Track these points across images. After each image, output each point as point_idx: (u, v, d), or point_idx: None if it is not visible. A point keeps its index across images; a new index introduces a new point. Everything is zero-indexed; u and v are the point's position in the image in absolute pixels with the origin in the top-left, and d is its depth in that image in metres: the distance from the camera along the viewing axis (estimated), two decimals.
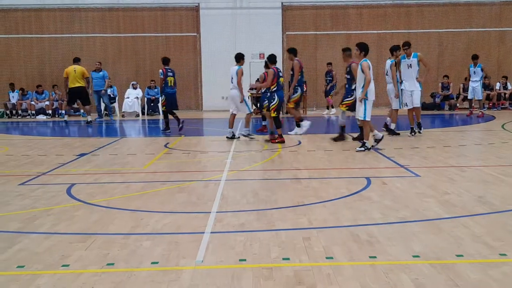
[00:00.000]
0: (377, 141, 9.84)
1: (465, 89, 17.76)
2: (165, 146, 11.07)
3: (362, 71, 9.51)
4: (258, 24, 20.53)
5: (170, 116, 13.46)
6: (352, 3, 21.02)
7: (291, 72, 12.37)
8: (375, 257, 4.07)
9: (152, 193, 6.57)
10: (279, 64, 12.21)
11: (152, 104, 19.95)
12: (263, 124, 13.12)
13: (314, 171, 7.96)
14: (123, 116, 19.54)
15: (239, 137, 11.86)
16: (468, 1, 21.06)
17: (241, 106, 11.70)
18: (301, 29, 20.84)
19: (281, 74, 11.20)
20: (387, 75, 12.00)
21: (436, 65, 20.63)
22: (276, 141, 10.95)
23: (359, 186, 6.64)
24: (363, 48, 9.70)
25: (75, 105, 18.44)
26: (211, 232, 4.76)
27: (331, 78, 18.44)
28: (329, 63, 18.53)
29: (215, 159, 9.50)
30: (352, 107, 10.60)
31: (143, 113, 19.85)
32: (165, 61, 13.35)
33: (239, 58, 11.75)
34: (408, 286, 3.52)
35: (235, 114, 11.82)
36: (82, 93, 16.41)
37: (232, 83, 11.64)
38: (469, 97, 16.65)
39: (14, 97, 20.13)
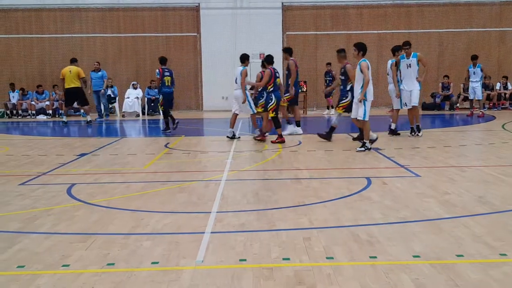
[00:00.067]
0: (372, 141, 9.83)
1: (465, 89, 17.76)
2: (166, 146, 11.08)
3: (361, 71, 9.51)
4: (258, 24, 20.51)
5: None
6: (353, 3, 21.01)
7: (287, 72, 12.40)
8: (375, 257, 4.07)
9: (153, 193, 6.57)
10: (279, 64, 12.20)
11: (152, 104, 19.93)
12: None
13: (315, 171, 7.96)
14: (123, 116, 19.54)
15: (239, 137, 11.88)
16: (469, 1, 21.06)
17: (244, 106, 11.74)
18: (301, 29, 20.84)
19: (278, 75, 11.21)
20: (388, 75, 12.00)
21: (436, 65, 20.63)
22: (276, 141, 10.96)
23: (359, 186, 6.64)
24: (361, 48, 9.69)
25: (75, 105, 18.43)
26: (212, 232, 4.76)
27: (331, 78, 18.39)
28: (329, 63, 18.50)
29: (215, 159, 9.50)
30: (348, 109, 10.62)
31: (143, 113, 19.85)
32: (162, 60, 13.36)
33: (244, 58, 11.75)
34: (409, 286, 3.52)
35: (237, 114, 11.83)
36: (78, 94, 16.42)
37: (236, 83, 11.65)
38: (470, 97, 16.66)
39: (14, 97, 20.14)
